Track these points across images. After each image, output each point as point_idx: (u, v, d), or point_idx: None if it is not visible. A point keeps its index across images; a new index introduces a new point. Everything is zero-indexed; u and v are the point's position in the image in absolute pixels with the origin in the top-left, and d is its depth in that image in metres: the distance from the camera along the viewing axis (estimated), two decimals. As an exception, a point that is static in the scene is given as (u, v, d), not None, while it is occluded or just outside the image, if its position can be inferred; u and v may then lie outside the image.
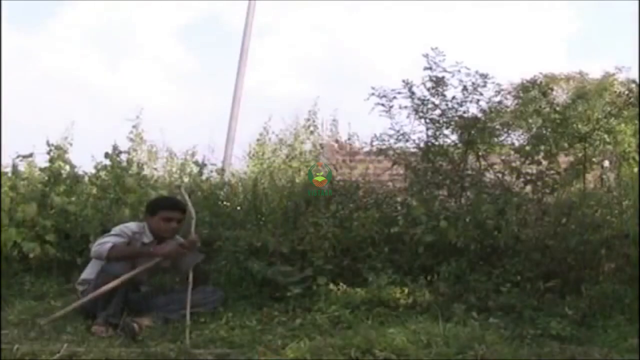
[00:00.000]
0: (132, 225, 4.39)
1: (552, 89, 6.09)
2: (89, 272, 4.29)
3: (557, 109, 5.31)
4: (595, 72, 13.40)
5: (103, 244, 4.14)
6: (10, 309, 4.31)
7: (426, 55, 5.40)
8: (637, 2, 5.78)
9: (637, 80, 5.96)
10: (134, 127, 11.06)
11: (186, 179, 7.57)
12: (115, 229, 4.33)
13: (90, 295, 4.01)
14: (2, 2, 7.36)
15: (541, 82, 5.87)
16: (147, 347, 3.48)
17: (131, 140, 11.05)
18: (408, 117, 5.51)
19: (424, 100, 5.45)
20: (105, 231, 4.66)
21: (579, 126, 5.38)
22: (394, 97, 5.53)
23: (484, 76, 5.38)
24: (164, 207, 4.42)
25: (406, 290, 4.45)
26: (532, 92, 5.76)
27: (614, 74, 12.71)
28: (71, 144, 7.85)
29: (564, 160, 5.43)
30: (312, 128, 13.32)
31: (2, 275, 5.02)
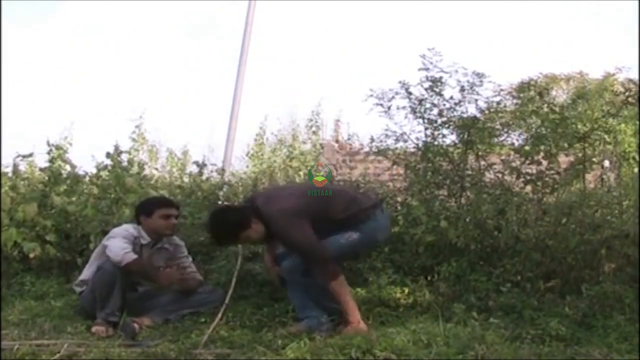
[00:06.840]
0: (130, 228, 4.32)
1: (548, 90, 6.07)
2: (87, 273, 4.28)
3: (555, 109, 5.29)
4: (595, 72, 13.41)
5: (125, 251, 4.06)
6: (10, 309, 4.31)
7: (423, 56, 5.38)
8: (637, 2, 5.78)
9: (637, 80, 5.95)
10: (136, 127, 11.05)
11: (186, 179, 7.56)
12: (121, 232, 4.24)
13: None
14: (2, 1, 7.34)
15: (539, 83, 5.85)
16: (147, 347, 3.48)
17: (134, 140, 11.04)
18: (406, 117, 5.50)
19: (421, 100, 5.44)
20: (105, 231, 4.63)
21: (579, 126, 5.36)
22: (393, 97, 5.52)
23: (481, 75, 5.37)
24: (160, 205, 4.41)
25: (406, 290, 4.45)
26: (530, 92, 5.75)
27: (614, 74, 12.72)
28: (71, 144, 7.84)
29: (564, 160, 5.42)
30: (314, 128, 13.34)
31: (2, 275, 5.03)
